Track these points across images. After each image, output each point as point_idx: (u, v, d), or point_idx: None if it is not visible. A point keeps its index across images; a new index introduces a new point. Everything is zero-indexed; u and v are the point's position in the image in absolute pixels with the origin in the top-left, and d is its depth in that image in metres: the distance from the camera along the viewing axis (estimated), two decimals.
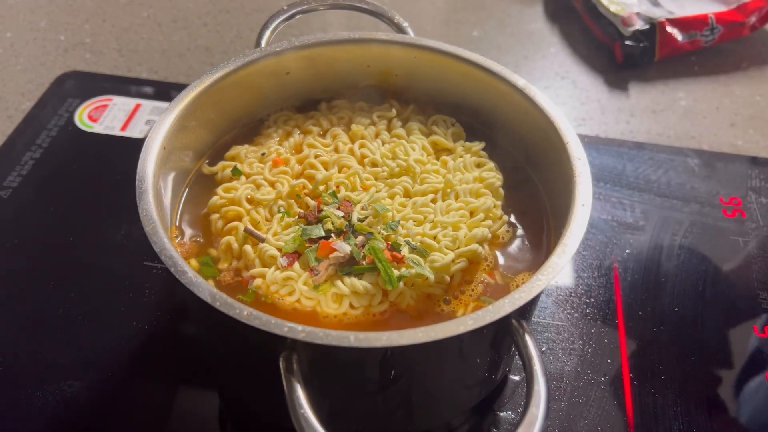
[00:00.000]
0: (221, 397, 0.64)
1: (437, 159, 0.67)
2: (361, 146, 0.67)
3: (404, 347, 0.45)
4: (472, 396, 0.61)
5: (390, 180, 0.64)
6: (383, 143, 0.68)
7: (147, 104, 0.92)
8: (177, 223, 0.61)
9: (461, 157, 0.66)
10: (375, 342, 0.45)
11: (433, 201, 0.62)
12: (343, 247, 0.56)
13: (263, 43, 0.69)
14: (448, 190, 0.63)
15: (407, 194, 0.63)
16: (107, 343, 0.67)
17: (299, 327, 0.45)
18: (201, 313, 0.54)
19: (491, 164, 0.66)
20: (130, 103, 0.92)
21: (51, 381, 0.64)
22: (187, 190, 0.64)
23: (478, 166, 0.66)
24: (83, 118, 0.89)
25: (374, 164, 0.66)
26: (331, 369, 0.50)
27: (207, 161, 0.67)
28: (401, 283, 0.55)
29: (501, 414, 0.64)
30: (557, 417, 0.63)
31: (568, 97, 1.00)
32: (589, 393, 0.65)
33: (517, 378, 0.66)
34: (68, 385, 0.64)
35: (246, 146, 0.67)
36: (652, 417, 0.64)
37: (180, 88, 0.62)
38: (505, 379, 0.66)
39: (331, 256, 0.56)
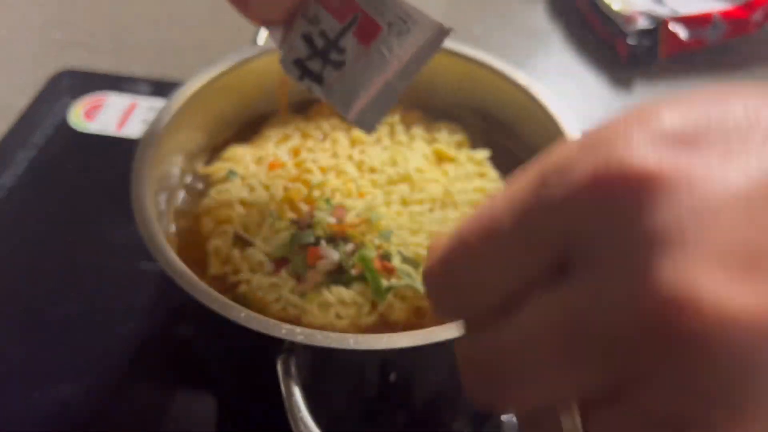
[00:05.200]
0: (218, 401, 0.63)
1: (439, 167, 0.65)
2: (361, 152, 0.65)
3: (404, 349, 0.44)
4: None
5: (387, 187, 0.62)
6: (384, 149, 0.66)
7: (143, 102, 0.91)
8: (174, 224, 0.61)
9: (463, 166, 0.65)
10: (375, 344, 0.44)
11: (431, 210, 0.60)
12: (332, 255, 0.54)
13: (260, 41, 0.68)
14: (447, 199, 0.61)
15: (404, 202, 0.61)
16: (104, 345, 0.66)
17: (297, 329, 0.44)
18: (197, 315, 0.54)
19: (494, 174, 0.64)
20: (125, 101, 0.91)
21: (48, 382, 0.63)
22: (183, 190, 0.63)
23: (480, 175, 0.64)
24: (79, 116, 0.89)
25: (373, 170, 0.64)
26: (330, 372, 0.49)
27: (203, 161, 0.66)
28: (390, 295, 0.53)
29: (502, 417, 0.63)
30: None
31: (571, 95, 0.99)
32: None
33: None
34: (66, 386, 0.63)
35: (242, 148, 0.66)
36: None
37: (176, 86, 0.62)
38: None
39: (319, 263, 0.54)
